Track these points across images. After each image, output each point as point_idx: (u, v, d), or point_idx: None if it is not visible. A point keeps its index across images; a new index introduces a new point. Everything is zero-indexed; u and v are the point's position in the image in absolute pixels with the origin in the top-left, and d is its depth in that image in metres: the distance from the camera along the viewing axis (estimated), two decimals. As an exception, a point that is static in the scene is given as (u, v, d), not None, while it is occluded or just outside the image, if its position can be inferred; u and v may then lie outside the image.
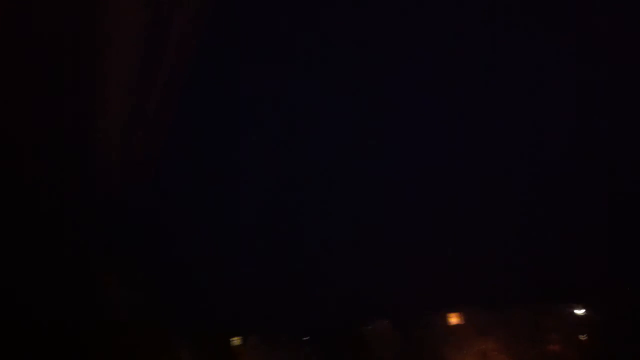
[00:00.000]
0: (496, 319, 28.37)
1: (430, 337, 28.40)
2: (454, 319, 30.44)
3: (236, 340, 28.47)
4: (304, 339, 28.18)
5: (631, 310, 21.17)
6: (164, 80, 3.94)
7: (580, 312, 25.92)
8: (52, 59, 3.40)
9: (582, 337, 24.93)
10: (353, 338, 30.10)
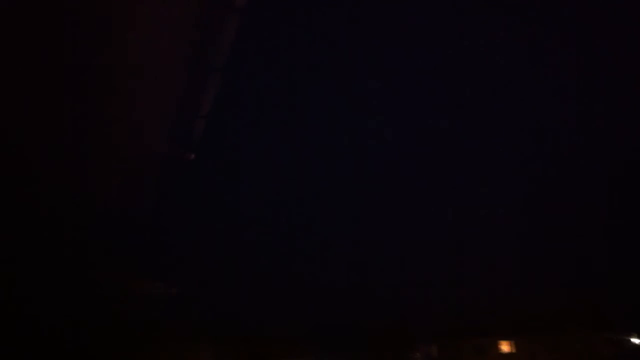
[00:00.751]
0: (546, 346, 28.08)
1: None
2: (504, 346, 30.02)
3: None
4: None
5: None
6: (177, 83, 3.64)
7: (637, 341, 25.60)
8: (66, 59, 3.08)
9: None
10: None
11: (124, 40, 3.26)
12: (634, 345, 26.11)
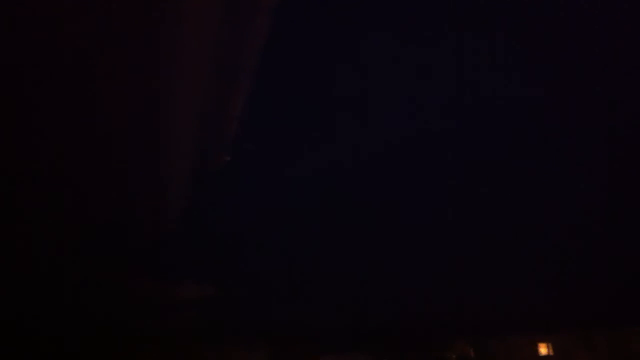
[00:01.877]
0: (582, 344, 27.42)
1: None
2: (540, 346, 29.38)
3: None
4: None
5: None
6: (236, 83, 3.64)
7: None
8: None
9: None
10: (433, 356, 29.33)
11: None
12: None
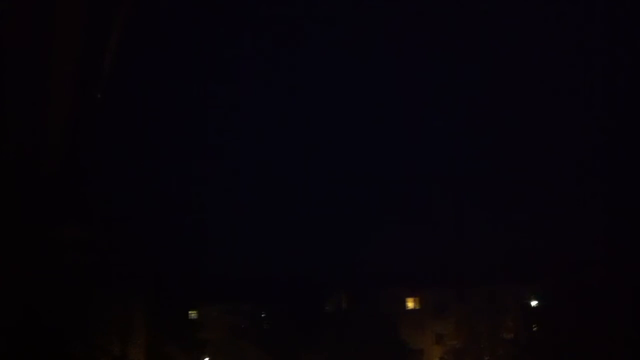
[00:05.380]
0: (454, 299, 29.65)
1: (390, 314, 29.19)
2: (411, 300, 31.38)
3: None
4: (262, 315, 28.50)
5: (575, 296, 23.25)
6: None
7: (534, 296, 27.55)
8: None
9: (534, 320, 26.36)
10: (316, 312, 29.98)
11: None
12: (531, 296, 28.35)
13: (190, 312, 29.09)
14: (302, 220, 32.45)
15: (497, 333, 27.60)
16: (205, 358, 28.49)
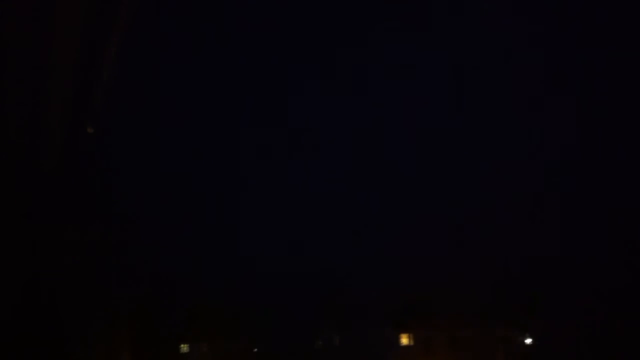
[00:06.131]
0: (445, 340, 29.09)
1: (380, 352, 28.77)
2: (404, 338, 31.02)
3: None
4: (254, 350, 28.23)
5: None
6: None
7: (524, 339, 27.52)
8: None
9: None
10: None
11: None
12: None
13: (181, 345, 28.71)
14: (295, 255, 32.43)
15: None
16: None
